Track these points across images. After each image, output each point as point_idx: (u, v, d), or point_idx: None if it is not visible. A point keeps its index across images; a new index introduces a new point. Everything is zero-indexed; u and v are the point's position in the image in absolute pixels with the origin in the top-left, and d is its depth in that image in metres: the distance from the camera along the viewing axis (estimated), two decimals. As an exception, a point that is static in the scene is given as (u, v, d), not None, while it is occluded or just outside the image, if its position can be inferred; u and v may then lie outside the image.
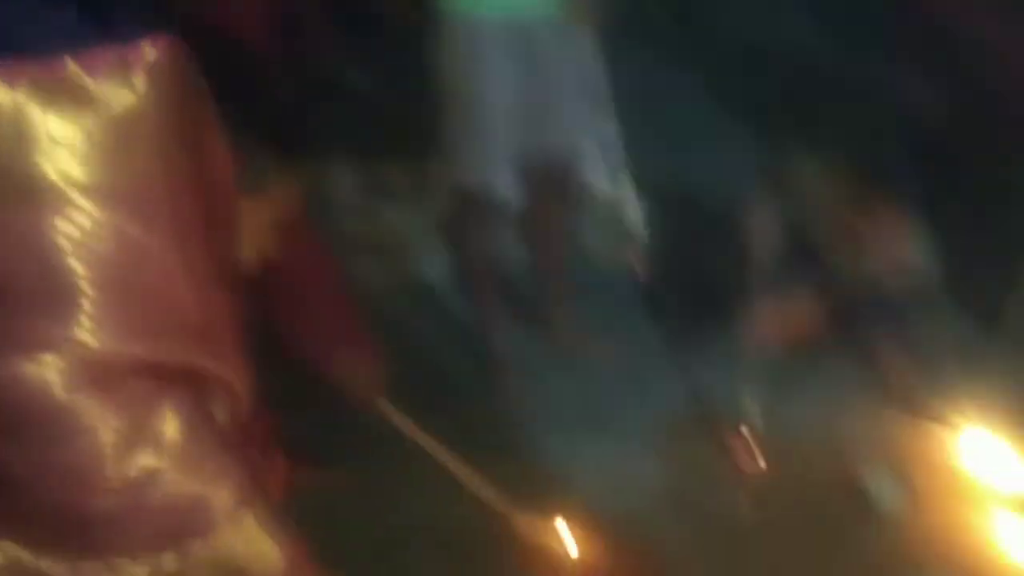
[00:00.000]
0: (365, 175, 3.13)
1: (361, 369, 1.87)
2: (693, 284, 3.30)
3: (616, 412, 2.82)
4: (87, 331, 0.89)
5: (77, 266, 0.88)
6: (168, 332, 0.96)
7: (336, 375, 1.80)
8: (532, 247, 3.06)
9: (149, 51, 0.89)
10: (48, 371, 0.89)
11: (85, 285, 0.88)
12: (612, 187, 3.59)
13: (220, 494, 1.03)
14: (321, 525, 1.15)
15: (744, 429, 2.56)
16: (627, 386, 2.93)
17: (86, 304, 0.89)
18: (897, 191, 2.60)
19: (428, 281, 3.55)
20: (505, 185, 2.77)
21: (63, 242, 0.87)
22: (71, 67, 0.87)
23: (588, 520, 2.26)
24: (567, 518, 2.23)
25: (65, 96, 0.86)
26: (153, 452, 0.97)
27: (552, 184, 2.93)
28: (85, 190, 0.87)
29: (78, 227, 0.87)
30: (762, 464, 2.51)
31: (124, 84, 0.88)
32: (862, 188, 2.61)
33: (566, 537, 2.21)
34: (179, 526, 1.02)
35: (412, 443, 2.07)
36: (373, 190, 3.19)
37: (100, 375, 0.93)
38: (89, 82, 0.87)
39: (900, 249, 2.74)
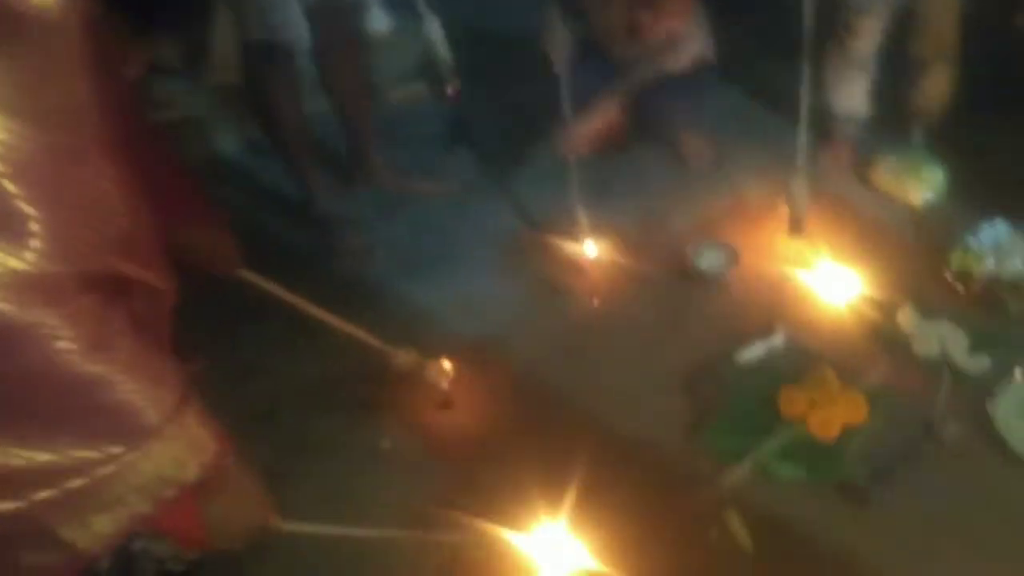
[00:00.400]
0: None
1: (218, 243, 1.84)
2: (502, 110, 3.38)
3: (454, 246, 2.91)
4: (35, 251, 0.86)
5: (12, 187, 0.84)
6: (108, 244, 0.95)
7: (195, 252, 1.75)
8: (334, 95, 2.99)
9: None
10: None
11: (24, 205, 0.85)
12: (404, 25, 3.56)
13: (164, 395, 1.05)
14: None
15: (580, 238, 2.73)
16: (458, 219, 3.02)
17: (32, 224, 0.86)
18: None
19: (230, 155, 3.43)
20: (297, 32, 2.68)
21: None
22: None
23: (453, 349, 2.40)
24: (434, 351, 2.36)
25: None
26: (104, 359, 0.98)
27: (341, 25, 2.85)
28: (12, 110, 0.84)
29: (10, 148, 0.83)
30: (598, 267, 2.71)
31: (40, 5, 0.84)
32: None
33: (439, 369, 2.35)
34: (130, 426, 1.03)
35: (279, 307, 2.08)
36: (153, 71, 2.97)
37: (52, 292, 0.91)
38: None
39: (685, 38, 2.93)
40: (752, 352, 2.34)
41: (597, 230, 2.75)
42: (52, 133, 0.86)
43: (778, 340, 2.36)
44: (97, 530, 1.08)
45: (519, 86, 3.21)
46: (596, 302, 2.65)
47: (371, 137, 3.11)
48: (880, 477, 2.04)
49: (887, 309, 2.43)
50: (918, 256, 2.63)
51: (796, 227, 2.74)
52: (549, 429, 2.25)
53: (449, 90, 2.86)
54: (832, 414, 2.11)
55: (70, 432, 1.00)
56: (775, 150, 2.90)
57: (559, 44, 2.94)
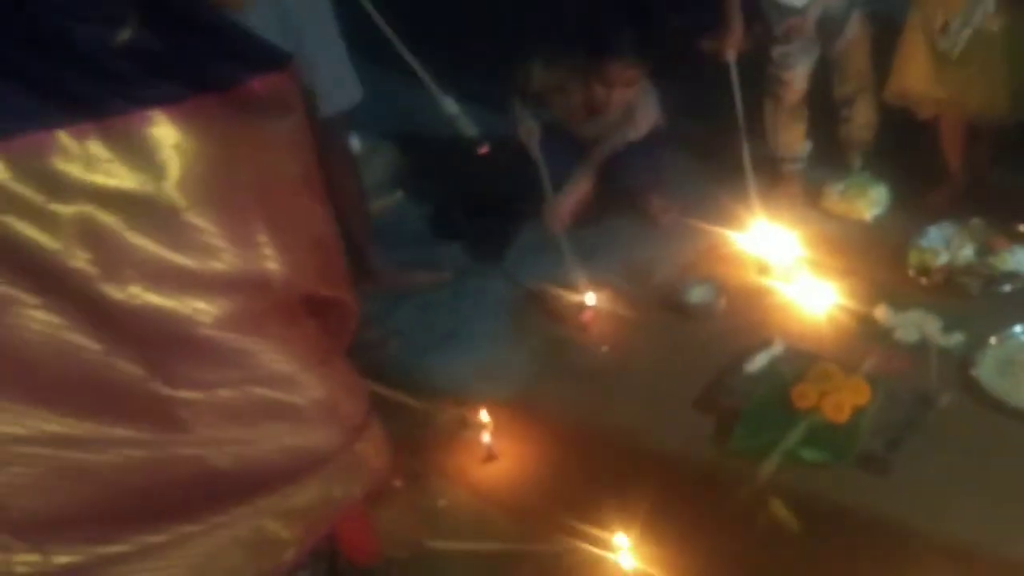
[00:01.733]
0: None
1: None
2: (483, 199, 3.67)
3: (462, 322, 3.14)
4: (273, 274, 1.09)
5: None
6: (323, 268, 1.17)
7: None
8: (336, 205, 3.23)
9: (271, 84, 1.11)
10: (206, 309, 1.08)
11: (260, 234, 1.08)
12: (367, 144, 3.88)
13: (361, 402, 1.25)
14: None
15: (579, 295, 3.00)
16: (461, 298, 3.25)
17: (266, 250, 1.08)
18: (630, 65, 3.11)
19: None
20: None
21: None
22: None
23: (487, 407, 2.61)
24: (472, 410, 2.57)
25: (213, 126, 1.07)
26: (326, 373, 1.18)
27: (341, 139, 3.13)
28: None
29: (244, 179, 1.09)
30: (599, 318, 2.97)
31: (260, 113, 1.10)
32: (602, 66, 3.09)
33: (479, 422, 2.55)
34: (338, 430, 1.23)
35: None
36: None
37: (286, 314, 1.13)
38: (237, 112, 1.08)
39: (639, 108, 3.28)
40: (757, 363, 2.60)
41: (591, 287, 3.02)
42: (284, 165, 1.10)
43: (778, 348, 2.62)
44: (313, 521, 1.26)
45: (498, 177, 3.51)
46: (604, 348, 2.89)
47: (369, 241, 3.37)
48: (893, 446, 2.28)
49: (865, 309, 2.71)
50: (881, 261, 2.94)
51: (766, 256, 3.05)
52: (589, 462, 2.45)
53: (481, 150, 3.12)
54: (842, 399, 2.36)
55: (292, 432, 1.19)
56: (730, 196, 3.25)
57: (530, 133, 3.28)
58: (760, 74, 3.33)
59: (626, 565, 2.05)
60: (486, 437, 2.54)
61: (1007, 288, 2.72)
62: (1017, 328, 2.53)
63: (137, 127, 1.02)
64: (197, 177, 1.07)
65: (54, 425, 1.11)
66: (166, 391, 1.12)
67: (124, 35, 1.07)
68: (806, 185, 3.42)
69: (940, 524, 2.10)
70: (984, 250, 2.83)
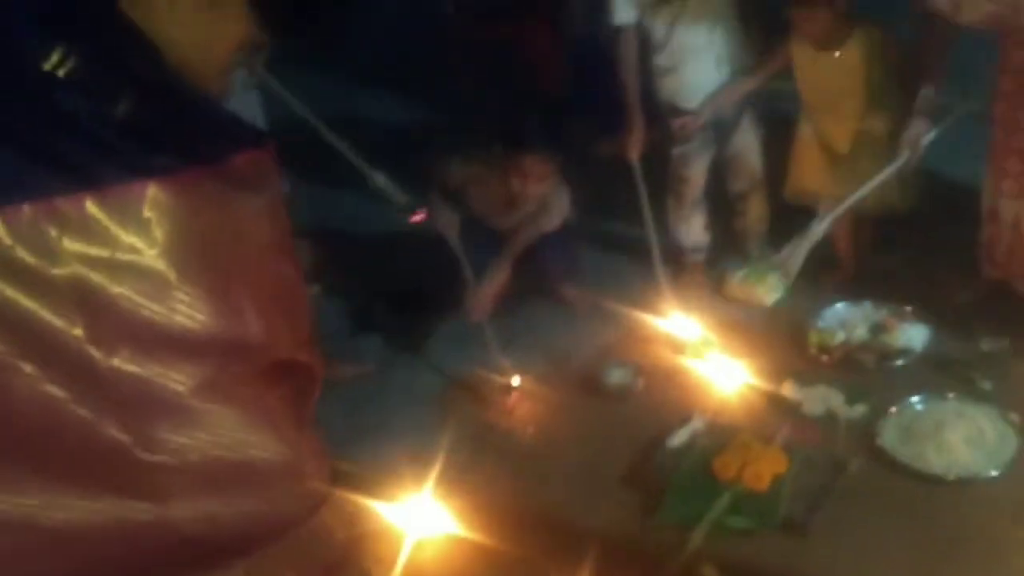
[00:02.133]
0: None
1: None
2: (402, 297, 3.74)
3: (389, 413, 3.16)
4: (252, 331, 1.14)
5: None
6: (294, 332, 1.22)
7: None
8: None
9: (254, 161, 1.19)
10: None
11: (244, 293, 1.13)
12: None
13: (323, 473, 1.29)
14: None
15: (504, 380, 3.08)
16: (386, 390, 3.29)
17: (248, 315, 1.14)
18: (544, 159, 3.30)
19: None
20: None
21: None
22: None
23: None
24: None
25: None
26: (297, 439, 1.22)
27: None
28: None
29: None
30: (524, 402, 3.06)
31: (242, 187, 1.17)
32: (518, 160, 3.27)
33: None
34: (311, 496, 1.26)
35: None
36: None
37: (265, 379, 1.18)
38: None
39: (553, 199, 3.45)
40: (679, 438, 2.72)
41: (515, 372, 3.11)
42: (263, 234, 1.16)
43: (697, 423, 2.76)
44: None
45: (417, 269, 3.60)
46: (530, 430, 2.97)
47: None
48: (812, 510, 2.41)
49: (774, 386, 2.89)
50: (783, 342, 3.15)
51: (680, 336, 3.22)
52: (524, 540, 2.48)
53: (416, 217, 3.18)
54: (761, 468, 2.49)
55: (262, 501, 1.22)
56: (640, 285, 3.44)
57: (449, 225, 3.40)
58: (664, 172, 3.58)
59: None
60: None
61: (900, 362, 2.95)
62: (914, 399, 2.73)
63: (132, 197, 1.08)
64: (185, 245, 1.13)
65: (33, 497, 1.11)
66: (146, 457, 1.15)
67: (122, 109, 1.14)
68: (709, 274, 3.64)
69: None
70: (877, 329, 3.06)
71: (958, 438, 2.53)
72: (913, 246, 3.33)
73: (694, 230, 3.67)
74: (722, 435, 2.68)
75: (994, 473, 2.44)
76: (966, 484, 2.44)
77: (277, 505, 1.28)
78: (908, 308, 3.11)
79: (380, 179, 3.02)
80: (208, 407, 1.17)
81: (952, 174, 3.40)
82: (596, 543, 2.41)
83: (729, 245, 3.68)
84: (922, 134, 2.98)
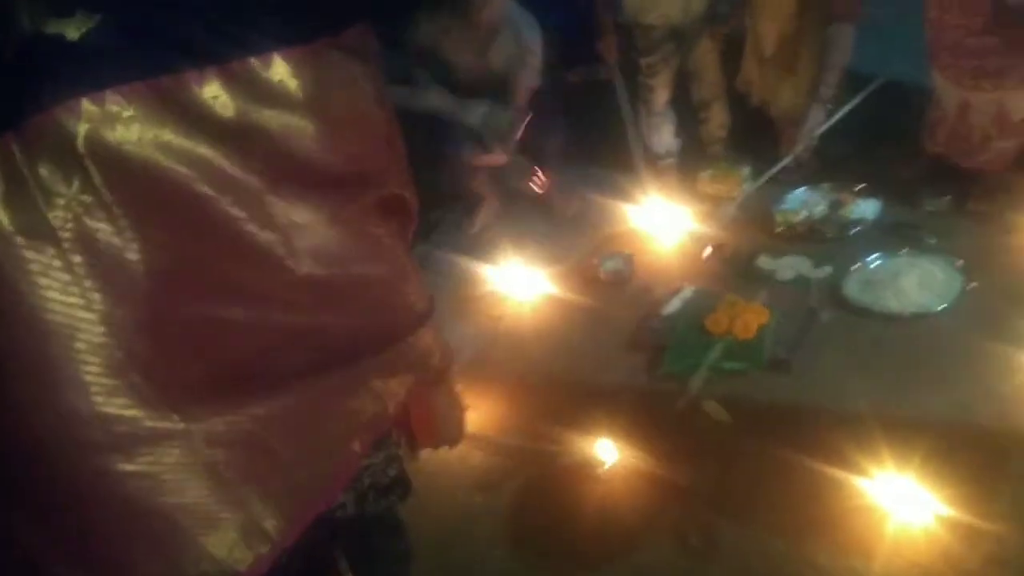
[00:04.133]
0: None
1: None
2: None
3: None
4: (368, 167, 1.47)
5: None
6: (396, 167, 1.55)
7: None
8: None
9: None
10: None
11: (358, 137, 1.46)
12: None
13: (421, 301, 1.61)
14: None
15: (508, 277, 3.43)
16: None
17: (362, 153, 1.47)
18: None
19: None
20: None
21: None
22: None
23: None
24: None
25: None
26: (405, 261, 1.55)
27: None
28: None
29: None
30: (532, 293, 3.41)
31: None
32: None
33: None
34: (416, 314, 1.59)
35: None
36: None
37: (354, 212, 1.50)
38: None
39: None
40: (673, 305, 3.11)
41: (520, 269, 3.47)
42: (368, 91, 1.50)
43: (688, 292, 3.14)
44: (393, 389, 1.60)
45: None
46: (538, 319, 3.33)
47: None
48: (792, 351, 2.82)
49: (749, 260, 3.29)
50: (754, 224, 3.54)
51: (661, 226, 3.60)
52: (549, 401, 2.85)
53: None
54: (747, 320, 2.89)
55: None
56: (624, 186, 3.81)
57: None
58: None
59: (608, 459, 2.48)
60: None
61: (855, 230, 3.36)
62: (869, 258, 3.15)
63: (281, 60, 1.41)
64: (318, 99, 1.47)
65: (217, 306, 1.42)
66: (294, 267, 1.47)
67: None
68: (681, 175, 4.02)
69: (837, 403, 2.63)
70: (835, 205, 3.47)
71: (911, 282, 2.95)
72: (863, 133, 3.72)
73: (664, 136, 4.03)
74: (711, 298, 3.08)
75: (943, 307, 2.87)
76: (919, 319, 2.86)
77: (387, 317, 1.61)
78: (861, 185, 3.52)
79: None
80: (336, 232, 1.50)
81: (898, 67, 3.78)
82: (611, 397, 2.81)
83: (697, 149, 4.06)
84: (818, 122, 3.41)
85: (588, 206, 3.89)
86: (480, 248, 3.66)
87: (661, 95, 3.95)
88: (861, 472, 2.28)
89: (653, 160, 4.03)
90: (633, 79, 3.93)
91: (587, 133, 4.20)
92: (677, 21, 3.70)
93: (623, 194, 3.79)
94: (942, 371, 2.66)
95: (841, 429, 2.48)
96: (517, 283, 3.45)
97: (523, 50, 3.66)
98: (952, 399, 2.52)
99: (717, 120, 4.06)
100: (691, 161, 4.05)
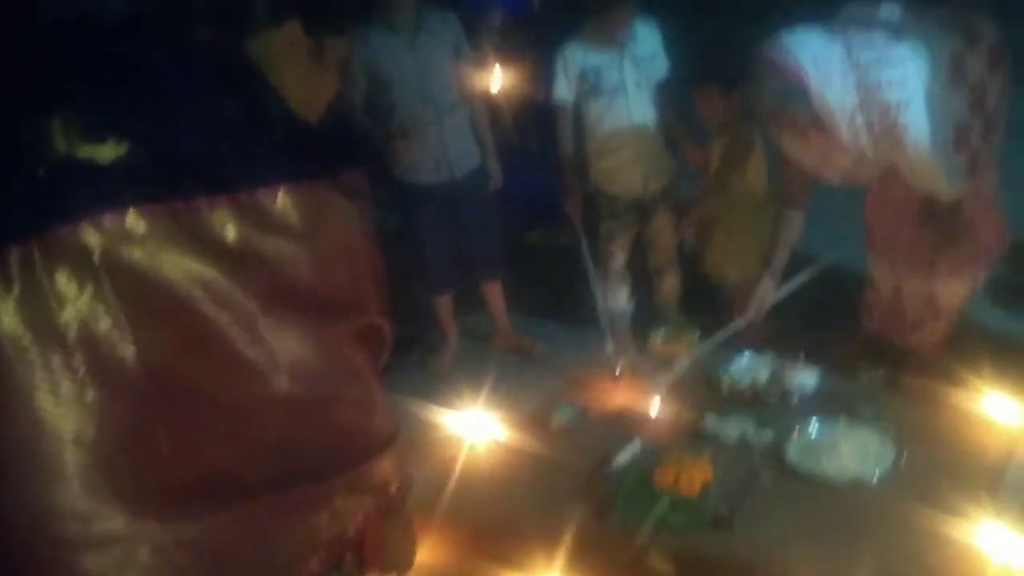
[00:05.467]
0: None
1: None
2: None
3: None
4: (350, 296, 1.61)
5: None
6: (376, 297, 1.70)
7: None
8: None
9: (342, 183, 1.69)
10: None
11: (348, 265, 1.61)
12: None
13: (387, 426, 1.74)
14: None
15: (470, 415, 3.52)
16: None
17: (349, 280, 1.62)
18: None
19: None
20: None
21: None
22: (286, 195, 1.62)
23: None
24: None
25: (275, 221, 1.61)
26: (352, 390, 1.68)
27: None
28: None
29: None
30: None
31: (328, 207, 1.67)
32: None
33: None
34: (379, 439, 1.71)
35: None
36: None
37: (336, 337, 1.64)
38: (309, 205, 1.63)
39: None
40: (623, 457, 3.21)
41: (475, 413, 3.57)
42: (359, 225, 1.65)
43: (637, 444, 3.26)
44: (353, 510, 1.69)
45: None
46: (491, 463, 3.40)
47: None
48: (735, 510, 2.92)
49: (697, 419, 3.43)
50: (702, 385, 3.71)
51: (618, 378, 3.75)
52: (499, 547, 2.89)
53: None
54: (692, 477, 3.01)
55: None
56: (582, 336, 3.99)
57: None
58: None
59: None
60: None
61: (795, 398, 3.54)
62: (810, 424, 3.31)
63: (283, 195, 1.58)
64: (311, 231, 1.63)
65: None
66: (276, 384, 1.59)
67: (278, 135, 1.65)
68: (635, 334, 4.21)
69: (776, 564, 2.73)
70: (777, 373, 3.66)
71: (848, 450, 3.11)
72: (806, 308, 3.97)
73: (619, 297, 4.25)
74: (658, 453, 3.19)
75: (877, 476, 3.01)
76: (856, 486, 3.00)
77: (355, 439, 1.73)
78: (803, 356, 3.73)
79: None
80: (317, 355, 1.63)
81: (840, 251, 4.06)
82: (562, 543, 2.86)
83: (650, 309, 4.28)
84: (768, 295, 3.67)
85: (548, 354, 4.04)
86: (436, 389, 3.76)
87: (619, 258, 4.20)
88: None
89: (610, 318, 4.22)
90: (593, 242, 4.17)
91: (551, 288, 4.42)
92: (638, 193, 3.99)
93: (583, 347, 3.96)
94: (874, 539, 2.78)
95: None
96: (471, 426, 3.53)
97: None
98: (883, 566, 2.64)
99: (669, 285, 4.31)
100: (645, 321, 4.25)
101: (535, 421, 3.59)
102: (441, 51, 3.69)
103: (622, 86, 3.81)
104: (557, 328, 4.29)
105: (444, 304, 4.13)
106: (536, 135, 4.86)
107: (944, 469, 2.99)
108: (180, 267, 1.44)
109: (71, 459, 1.38)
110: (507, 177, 4.10)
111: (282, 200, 1.57)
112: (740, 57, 3.39)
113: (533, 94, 4.51)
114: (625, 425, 3.49)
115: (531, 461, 3.38)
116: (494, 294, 4.19)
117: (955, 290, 3.47)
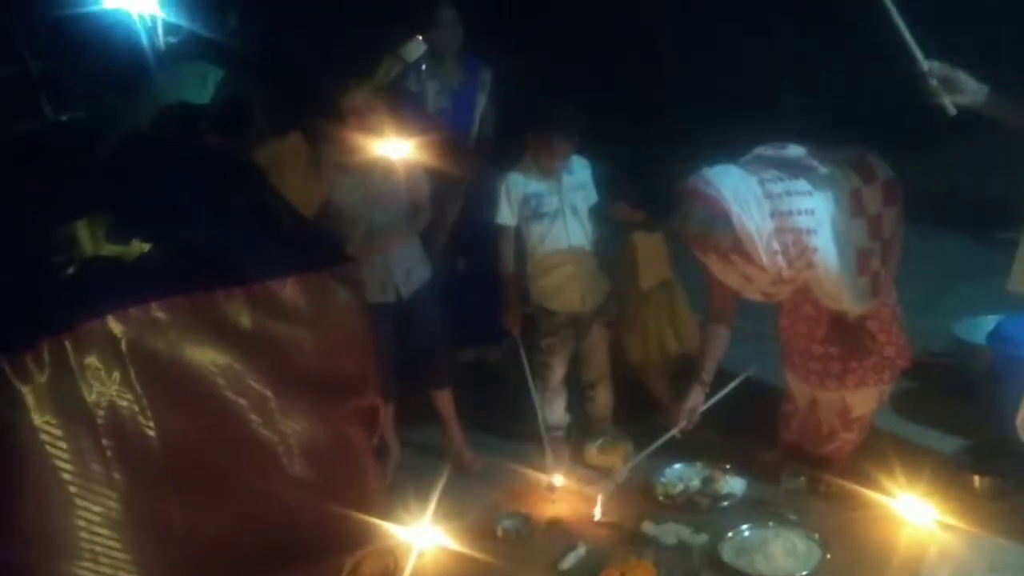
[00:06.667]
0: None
1: None
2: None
3: None
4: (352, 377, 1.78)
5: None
6: (374, 379, 1.86)
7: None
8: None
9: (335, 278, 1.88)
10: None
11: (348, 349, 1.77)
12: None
13: (382, 494, 1.88)
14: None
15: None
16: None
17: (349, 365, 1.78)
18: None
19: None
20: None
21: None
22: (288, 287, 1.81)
23: None
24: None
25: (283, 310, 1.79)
26: (350, 469, 1.83)
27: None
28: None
29: None
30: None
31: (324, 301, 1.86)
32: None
33: None
34: (350, 533, 1.84)
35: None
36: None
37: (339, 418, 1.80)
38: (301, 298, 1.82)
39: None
40: (568, 561, 3.34)
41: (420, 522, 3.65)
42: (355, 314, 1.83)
43: (582, 550, 3.39)
44: None
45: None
46: (441, 568, 3.47)
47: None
48: (676, 610, 3.07)
49: (634, 524, 3.60)
50: (639, 493, 3.89)
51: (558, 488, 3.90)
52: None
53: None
54: (635, 579, 3.16)
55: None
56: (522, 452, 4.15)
57: None
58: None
59: None
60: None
61: (726, 503, 3.75)
62: (743, 527, 3.51)
63: (291, 286, 1.76)
64: (317, 317, 1.82)
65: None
66: (288, 469, 1.74)
67: (285, 230, 1.85)
68: (573, 445, 4.39)
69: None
70: (707, 481, 3.88)
71: (778, 550, 3.31)
72: (730, 420, 4.22)
73: (556, 410, 4.44)
74: (602, 557, 3.34)
75: (804, 574, 3.21)
76: (786, 583, 3.20)
77: (353, 522, 1.86)
78: (728, 465, 3.96)
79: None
80: (323, 437, 1.78)
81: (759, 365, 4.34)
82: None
83: (585, 422, 4.49)
84: (698, 405, 3.86)
85: (490, 466, 4.17)
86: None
87: (557, 373, 4.41)
88: None
89: (548, 430, 4.40)
90: (532, 357, 4.38)
91: (495, 402, 4.59)
92: (576, 309, 4.26)
93: (524, 458, 4.11)
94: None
95: None
96: (416, 536, 3.60)
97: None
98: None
99: (602, 399, 4.52)
100: (582, 433, 4.44)
101: (481, 530, 3.69)
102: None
103: (560, 211, 4.12)
104: (497, 441, 4.44)
105: (385, 416, 4.23)
106: (466, 256, 5.08)
107: (865, 567, 3.23)
108: (200, 353, 1.60)
109: (100, 539, 1.49)
110: (457, 295, 4.31)
111: (290, 289, 1.76)
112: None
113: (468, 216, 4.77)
114: (568, 532, 3.62)
115: (477, 569, 3.46)
116: (445, 402, 4.32)
117: (864, 401, 3.78)
